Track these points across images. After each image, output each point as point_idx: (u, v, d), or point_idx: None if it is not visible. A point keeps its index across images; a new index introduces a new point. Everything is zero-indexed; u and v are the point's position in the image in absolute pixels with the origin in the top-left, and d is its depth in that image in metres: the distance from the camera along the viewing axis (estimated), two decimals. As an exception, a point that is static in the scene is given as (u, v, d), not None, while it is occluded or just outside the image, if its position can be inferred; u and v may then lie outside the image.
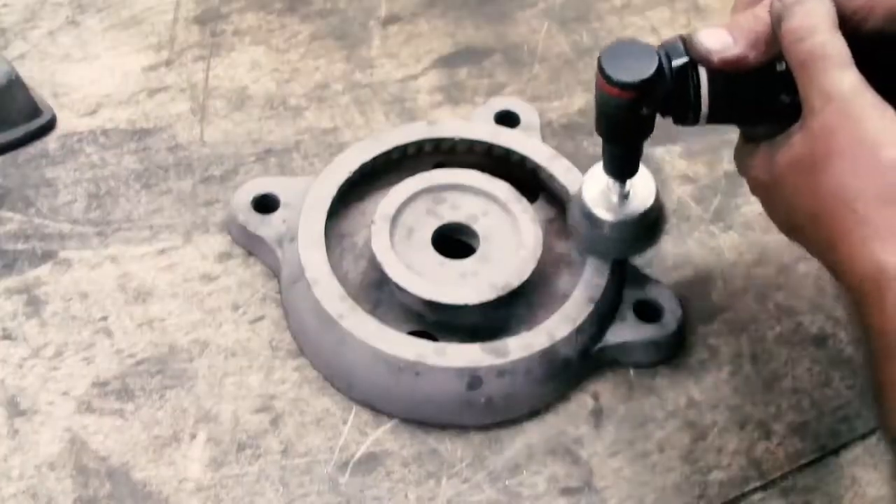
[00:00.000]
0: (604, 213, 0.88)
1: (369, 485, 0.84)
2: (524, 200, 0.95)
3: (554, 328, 0.88)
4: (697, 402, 0.90)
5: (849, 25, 0.72)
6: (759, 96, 0.76)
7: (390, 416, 0.88)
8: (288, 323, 0.92)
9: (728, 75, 0.75)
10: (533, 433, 0.88)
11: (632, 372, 0.91)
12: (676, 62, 0.76)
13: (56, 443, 0.85)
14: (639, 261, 0.95)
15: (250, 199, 0.96)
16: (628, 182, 0.87)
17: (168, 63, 1.09)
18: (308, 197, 0.94)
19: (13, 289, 0.93)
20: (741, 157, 0.79)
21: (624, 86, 0.75)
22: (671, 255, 0.97)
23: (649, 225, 0.89)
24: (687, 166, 1.04)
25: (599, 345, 0.90)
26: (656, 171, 1.01)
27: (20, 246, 0.95)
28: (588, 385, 0.90)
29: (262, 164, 1.02)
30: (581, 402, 0.90)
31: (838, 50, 0.70)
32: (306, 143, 1.04)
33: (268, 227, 0.95)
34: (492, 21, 1.15)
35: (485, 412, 0.87)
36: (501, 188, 0.95)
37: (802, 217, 0.71)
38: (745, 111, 0.78)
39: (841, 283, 0.69)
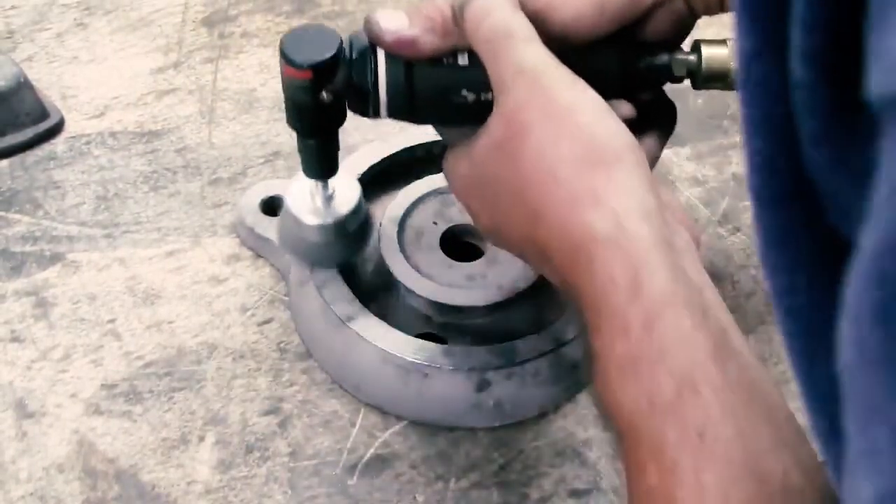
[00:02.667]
0: (308, 217, 0.88)
1: (378, 487, 0.84)
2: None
3: (562, 330, 0.88)
4: (706, 404, 0.90)
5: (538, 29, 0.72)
6: (440, 89, 0.75)
7: (399, 418, 0.88)
8: (296, 325, 0.92)
9: (408, 66, 0.74)
10: (541, 435, 0.88)
11: (640, 374, 0.91)
12: (357, 49, 0.76)
13: (64, 445, 0.85)
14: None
15: (258, 201, 0.96)
16: (331, 185, 0.87)
17: (176, 65, 1.09)
18: (316, 199, 0.94)
19: (21, 291, 0.93)
20: (444, 160, 0.77)
21: (300, 66, 0.75)
22: (679, 257, 0.97)
23: (355, 230, 0.89)
24: (695, 168, 1.04)
25: (607, 347, 0.90)
26: (664, 174, 1.01)
27: (28, 248, 0.96)
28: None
29: (270, 166, 1.02)
30: (589, 403, 0.90)
31: (522, 26, 0.70)
32: (314, 145, 1.04)
33: (276, 229, 0.95)
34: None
35: (493, 414, 0.87)
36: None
37: (508, 200, 0.69)
38: (427, 106, 0.76)
39: (550, 259, 0.67)
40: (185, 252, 0.96)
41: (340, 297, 0.89)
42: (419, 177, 0.96)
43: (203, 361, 0.90)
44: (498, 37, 0.70)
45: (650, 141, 0.76)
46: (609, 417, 0.63)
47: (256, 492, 0.84)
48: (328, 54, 0.75)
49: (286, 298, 0.94)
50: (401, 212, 0.93)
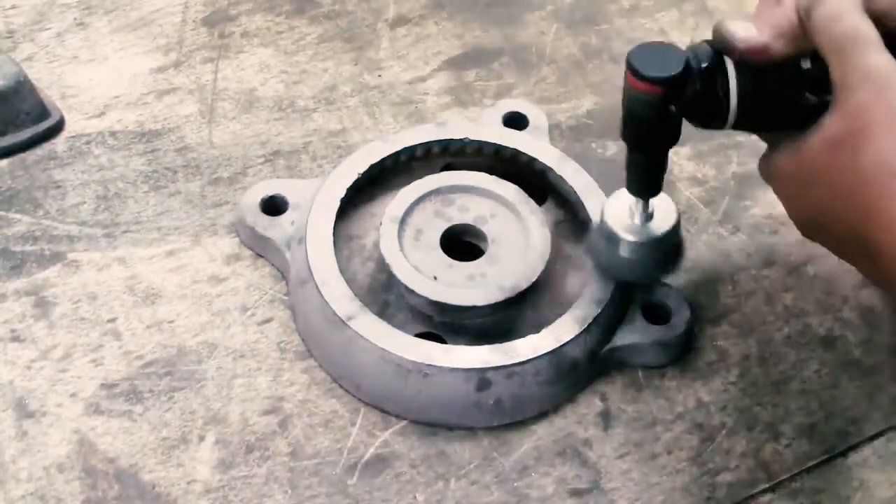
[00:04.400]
0: (625, 234, 0.87)
1: (378, 486, 0.84)
2: (532, 202, 0.95)
3: (562, 330, 0.88)
4: (706, 403, 0.90)
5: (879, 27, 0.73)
6: (786, 95, 0.77)
7: (399, 417, 0.88)
8: (296, 325, 0.92)
9: (755, 73, 0.76)
10: (541, 435, 0.88)
11: (640, 373, 0.91)
12: (704, 61, 0.77)
13: (64, 444, 0.85)
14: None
15: (259, 200, 0.96)
16: (651, 203, 0.86)
17: (176, 65, 1.09)
18: (316, 199, 0.94)
19: (21, 290, 0.93)
20: (765, 161, 0.80)
21: (653, 81, 0.75)
22: (679, 257, 0.97)
23: (669, 248, 0.89)
24: (695, 168, 1.04)
25: (608, 346, 0.90)
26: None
27: (28, 248, 0.95)
28: (596, 386, 0.90)
29: (270, 165, 1.02)
30: (589, 403, 0.90)
31: (871, 32, 0.72)
32: (315, 144, 1.04)
33: (276, 228, 0.95)
34: (500, 23, 1.15)
35: (493, 414, 0.87)
36: (510, 190, 0.95)
37: (837, 196, 0.72)
38: (772, 111, 0.78)
39: (877, 257, 0.69)
40: (185, 251, 0.96)
41: (340, 296, 0.89)
42: (419, 176, 0.96)
43: (203, 361, 0.90)
44: (846, 41, 0.71)
45: None
46: None
47: (256, 491, 0.84)
48: (679, 67, 0.75)
49: (286, 298, 0.94)
50: (401, 211, 0.93)
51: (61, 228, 0.97)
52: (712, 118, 0.78)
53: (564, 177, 0.97)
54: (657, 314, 0.91)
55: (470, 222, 0.94)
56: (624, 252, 0.87)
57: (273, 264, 0.95)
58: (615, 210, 0.87)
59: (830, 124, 0.72)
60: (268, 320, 0.93)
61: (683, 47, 0.78)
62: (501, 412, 0.87)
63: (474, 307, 0.89)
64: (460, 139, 0.99)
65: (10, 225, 0.97)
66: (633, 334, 0.90)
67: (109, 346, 0.90)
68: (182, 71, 1.09)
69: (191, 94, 1.07)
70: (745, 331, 0.94)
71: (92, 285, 0.94)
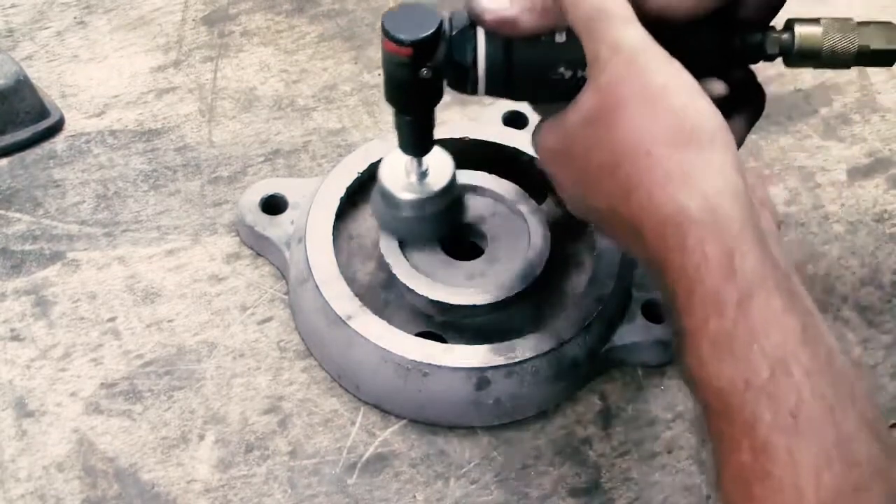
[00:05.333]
0: (401, 192, 0.89)
1: (377, 486, 0.84)
2: (532, 201, 0.95)
3: (562, 329, 0.88)
4: (706, 402, 0.90)
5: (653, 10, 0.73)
6: (538, 66, 0.76)
7: (398, 416, 0.88)
8: (296, 324, 0.92)
9: (507, 43, 0.75)
10: (541, 434, 0.88)
11: (640, 372, 0.91)
12: (458, 27, 0.77)
13: (64, 444, 0.85)
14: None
15: (258, 199, 0.96)
16: (425, 161, 0.88)
17: (176, 64, 1.09)
18: (316, 198, 0.94)
19: (21, 290, 0.93)
20: (533, 134, 0.78)
21: (402, 42, 0.75)
22: (679, 256, 0.97)
23: (447, 205, 0.90)
24: (695, 167, 1.04)
25: (607, 345, 0.90)
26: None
27: (28, 247, 0.96)
28: (596, 385, 0.90)
29: (270, 164, 1.02)
30: (589, 402, 0.90)
31: (621, 6, 0.71)
32: (314, 143, 1.04)
33: (276, 227, 0.95)
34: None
35: (493, 413, 0.87)
36: (509, 189, 0.95)
37: (598, 172, 0.70)
38: (524, 82, 0.77)
39: (638, 235, 0.68)
40: (184, 251, 0.96)
41: (340, 295, 0.89)
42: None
43: (203, 360, 0.90)
44: (596, 15, 0.71)
45: (737, 124, 0.77)
46: (697, 391, 0.65)
47: (256, 491, 0.84)
48: (429, 31, 0.75)
49: (286, 297, 0.94)
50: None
51: (61, 228, 0.97)
52: (463, 84, 0.78)
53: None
54: (657, 313, 0.91)
55: (470, 221, 0.94)
56: (403, 210, 0.89)
57: (273, 263, 0.95)
58: (391, 169, 0.89)
59: (585, 100, 0.71)
60: (267, 319, 0.93)
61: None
62: (501, 411, 0.87)
63: (474, 306, 0.89)
64: (460, 138, 0.99)
65: (10, 224, 0.97)
66: (632, 333, 0.90)
67: (109, 345, 0.90)
68: (182, 70, 1.09)
69: (190, 94, 1.07)
70: (744, 330, 0.94)
71: (92, 284, 0.94)
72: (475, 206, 0.95)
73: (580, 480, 0.86)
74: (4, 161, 1.01)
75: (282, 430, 0.87)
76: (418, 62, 0.76)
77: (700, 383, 0.64)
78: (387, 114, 1.06)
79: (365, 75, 1.10)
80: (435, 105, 0.81)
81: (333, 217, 0.93)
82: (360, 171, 0.96)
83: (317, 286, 0.89)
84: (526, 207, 0.94)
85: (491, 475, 0.85)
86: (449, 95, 1.08)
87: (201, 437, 0.86)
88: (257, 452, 0.86)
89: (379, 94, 1.08)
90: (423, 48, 0.76)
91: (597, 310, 0.89)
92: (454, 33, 0.77)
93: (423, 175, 0.89)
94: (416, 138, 0.85)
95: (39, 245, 0.96)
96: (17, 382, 0.88)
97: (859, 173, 1.04)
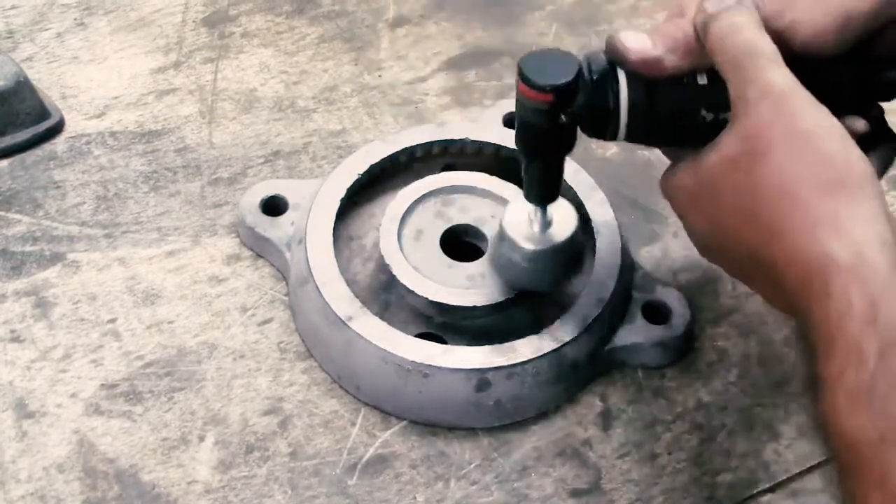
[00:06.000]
0: (523, 242, 0.86)
1: (378, 487, 0.84)
2: (532, 202, 0.95)
3: (562, 330, 0.88)
4: (706, 403, 0.90)
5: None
6: (680, 110, 0.75)
7: (399, 418, 0.88)
8: (296, 325, 0.92)
9: (648, 85, 0.74)
10: (541, 435, 0.88)
11: (640, 374, 0.91)
12: (597, 71, 0.75)
13: (64, 445, 0.85)
14: (647, 263, 0.95)
15: (259, 201, 0.96)
16: (549, 211, 0.85)
17: (176, 65, 1.09)
18: (316, 199, 0.94)
19: (21, 291, 0.93)
20: (665, 178, 0.77)
21: (543, 88, 0.74)
22: (679, 258, 0.97)
23: (568, 257, 0.88)
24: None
25: (608, 347, 0.90)
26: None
27: (28, 248, 0.95)
28: (596, 387, 0.90)
29: (270, 166, 1.02)
30: (589, 403, 0.90)
31: (769, 47, 0.70)
32: (315, 145, 1.04)
33: (276, 229, 0.95)
34: (500, 23, 1.15)
35: (493, 414, 0.87)
36: (510, 190, 0.95)
37: (736, 217, 0.70)
38: (665, 126, 0.76)
39: (779, 281, 0.68)
40: (185, 252, 0.96)
41: (340, 296, 0.89)
42: (419, 177, 0.96)
43: (203, 361, 0.90)
44: (744, 56, 0.70)
45: (874, 163, 0.74)
46: (830, 442, 0.64)
47: (256, 492, 0.84)
48: (570, 76, 0.74)
49: (286, 298, 0.94)
50: (401, 212, 0.93)
51: (61, 229, 0.97)
52: (603, 130, 0.76)
53: (564, 177, 0.97)
54: (657, 314, 0.91)
55: (470, 222, 0.94)
56: (522, 260, 0.87)
57: (273, 265, 0.95)
58: (514, 218, 0.87)
59: (728, 142, 0.70)
60: (268, 321, 0.93)
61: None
62: (501, 412, 0.87)
63: (474, 307, 0.89)
64: (460, 139, 0.99)
65: (10, 225, 0.97)
66: (633, 335, 0.90)
67: (109, 346, 0.90)
68: (182, 71, 1.09)
69: (191, 95, 1.07)
70: (745, 331, 0.94)
71: (92, 286, 0.94)
72: (475, 208, 0.95)
73: (581, 481, 0.85)
74: (4, 162, 1.01)
75: (282, 432, 0.87)
76: (558, 108, 0.74)
77: (833, 433, 0.63)
78: (387, 115, 1.06)
79: (365, 76, 1.10)
80: (568, 153, 0.79)
81: (334, 218, 0.93)
82: (361, 172, 0.96)
83: (317, 287, 0.89)
84: (526, 209, 0.94)
85: (491, 476, 0.85)
86: (448, 96, 1.08)
87: (202, 439, 0.86)
88: (258, 453, 0.86)
89: (379, 94, 1.08)
90: (564, 94, 0.74)
91: (597, 311, 0.89)
92: (595, 77, 0.75)
93: (546, 225, 0.86)
94: (545, 187, 0.83)
95: (39, 246, 0.96)
96: (17, 384, 0.88)
97: (859, 175, 1.04)
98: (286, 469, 0.85)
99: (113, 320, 0.92)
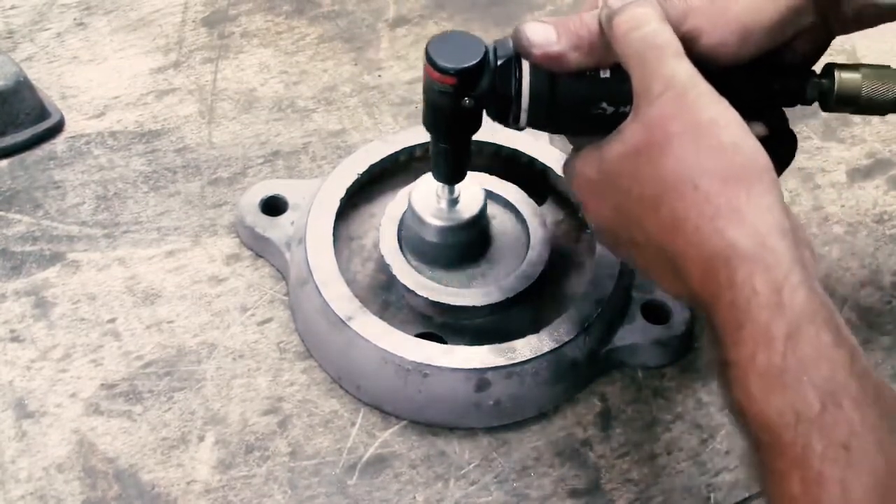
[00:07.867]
0: (430, 218, 0.89)
1: (377, 486, 0.84)
2: (532, 202, 0.95)
3: (562, 330, 0.88)
4: (705, 403, 0.90)
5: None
6: (581, 101, 0.76)
7: (398, 417, 0.88)
8: (296, 325, 0.92)
9: (551, 76, 0.75)
10: (540, 435, 0.88)
11: (640, 373, 0.91)
12: (502, 57, 0.76)
13: (64, 445, 0.85)
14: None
15: (258, 201, 0.96)
16: (457, 189, 0.88)
17: (176, 65, 1.09)
18: (316, 199, 0.94)
19: (21, 291, 0.93)
20: (567, 163, 0.78)
21: (445, 71, 0.75)
22: (679, 257, 0.97)
23: (475, 235, 0.91)
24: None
25: (607, 346, 0.90)
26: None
27: (28, 248, 0.96)
28: (596, 387, 0.90)
29: (270, 166, 1.02)
30: (589, 403, 0.90)
31: (672, 40, 0.71)
32: (314, 145, 1.04)
33: (276, 229, 0.95)
34: (500, 23, 1.15)
35: (492, 414, 0.87)
36: (509, 190, 0.95)
37: (639, 206, 0.71)
38: (566, 116, 0.77)
39: (682, 270, 0.69)
40: (184, 252, 0.96)
41: (340, 296, 0.89)
42: (419, 177, 0.96)
43: (203, 361, 0.90)
44: (648, 48, 0.71)
45: None
46: (744, 424, 0.65)
47: (256, 491, 0.84)
48: (474, 60, 0.75)
49: (286, 298, 0.94)
50: (401, 212, 0.93)
51: (61, 229, 0.97)
52: (506, 115, 0.78)
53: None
54: (657, 314, 0.91)
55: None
56: (430, 235, 0.89)
57: (273, 265, 0.95)
58: (422, 195, 0.89)
59: (632, 132, 0.71)
60: (267, 320, 0.93)
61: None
62: (501, 412, 0.87)
63: (474, 307, 0.89)
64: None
65: (10, 225, 0.97)
66: (632, 334, 0.90)
67: (109, 346, 0.90)
68: (182, 71, 1.09)
69: (190, 95, 1.07)
70: (744, 331, 0.94)
71: (92, 285, 0.94)
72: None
73: (580, 481, 0.85)
74: (4, 162, 1.01)
75: (282, 431, 0.87)
76: (461, 91, 0.76)
77: (748, 417, 0.64)
78: (387, 115, 1.06)
79: (365, 77, 1.10)
80: (473, 135, 0.81)
81: (333, 218, 0.93)
82: (360, 172, 0.96)
83: (317, 287, 0.89)
84: (526, 209, 0.94)
85: (491, 476, 0.85)
86: (449, 97, 1.08)
87: (201, 438, 0.86)
88: (257, 453, 0.86)
89: (379, 94, 1.08)
90: (468, 78, 0.75)
91: (597, 311, 0.89)
92: (499, 64, 0.76)
93: (453, 203, 0.89)
94: (451, 167, 0.85)
95: (39, 246, 0.96)
96: (17, 383, 0.88)
97: (859, 174, 1.04)
98: (286, 469, 0.85)
99: (113, 320, 0.92)
